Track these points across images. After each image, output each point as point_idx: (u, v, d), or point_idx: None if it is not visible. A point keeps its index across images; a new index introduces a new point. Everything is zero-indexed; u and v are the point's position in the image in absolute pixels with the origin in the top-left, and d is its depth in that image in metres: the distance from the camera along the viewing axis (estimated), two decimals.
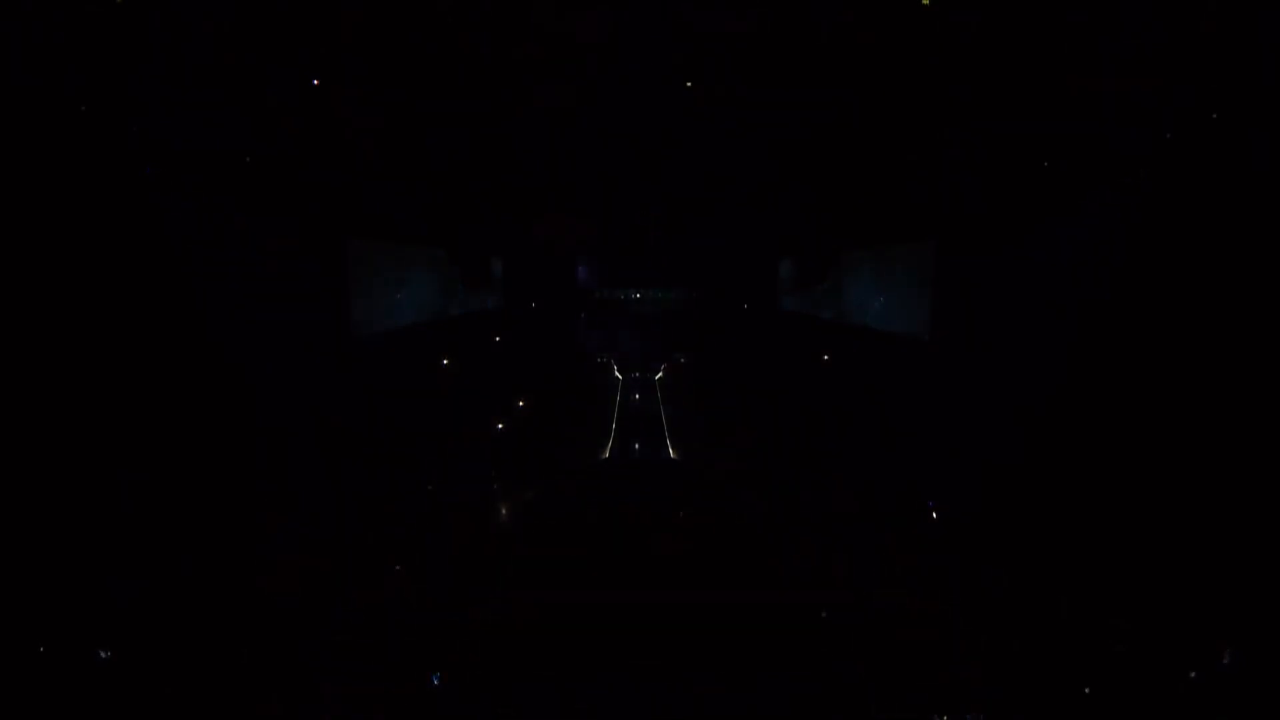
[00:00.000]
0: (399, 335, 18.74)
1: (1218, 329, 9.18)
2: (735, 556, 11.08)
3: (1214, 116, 8.74)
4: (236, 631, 7.64)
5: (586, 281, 26.49)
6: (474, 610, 9.59)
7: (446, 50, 10.35)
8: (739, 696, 7.35)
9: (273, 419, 12.45)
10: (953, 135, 13.13)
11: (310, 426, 13.61)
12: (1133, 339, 10.38)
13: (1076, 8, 9.26)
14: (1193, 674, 6.57)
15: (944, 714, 7.17)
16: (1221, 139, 8.72)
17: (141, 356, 10.54)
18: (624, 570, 10.56)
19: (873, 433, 16.68)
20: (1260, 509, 8.44)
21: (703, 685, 7.57)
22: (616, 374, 26.42)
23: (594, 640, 8.54)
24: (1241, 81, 8.15)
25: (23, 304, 8.97)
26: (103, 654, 6.74)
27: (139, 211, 10.65)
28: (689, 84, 11.57)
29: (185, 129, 10.41)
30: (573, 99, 12.47)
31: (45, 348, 9.21)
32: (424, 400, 18.89)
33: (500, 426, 18.40)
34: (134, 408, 10.41)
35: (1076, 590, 8.92)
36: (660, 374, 26.32)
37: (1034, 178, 11.50)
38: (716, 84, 11.99)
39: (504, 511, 14.56)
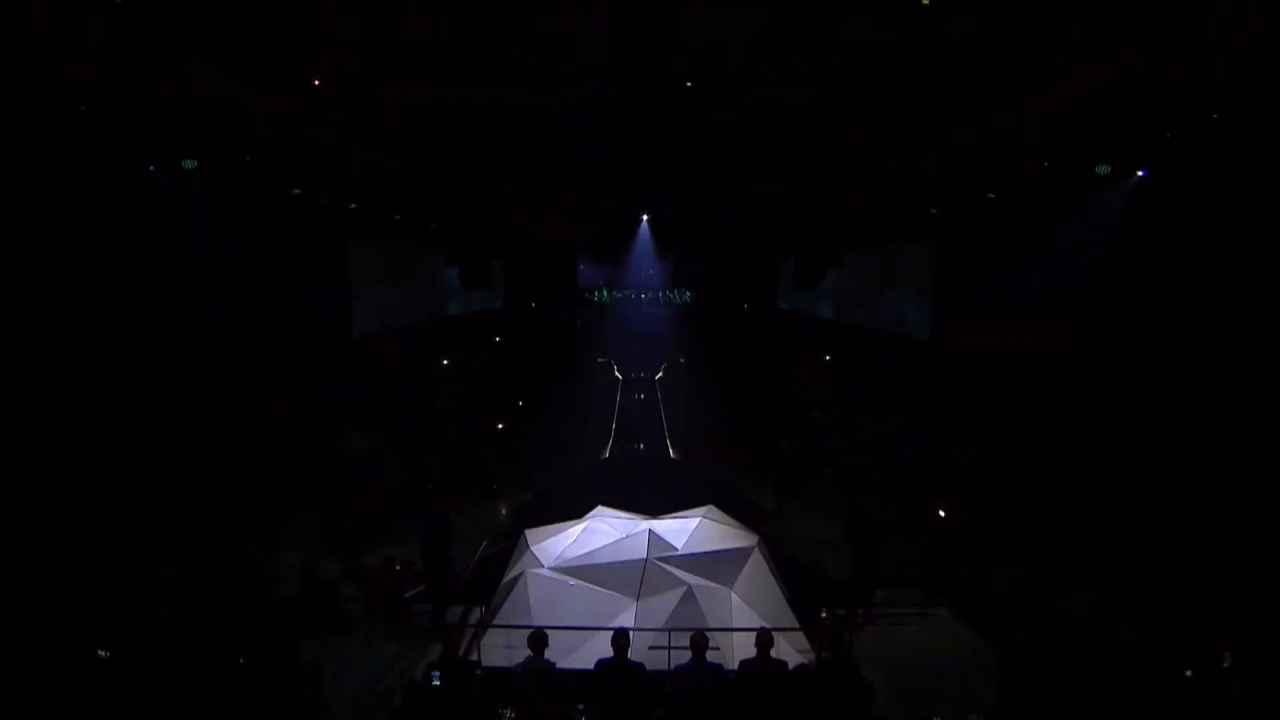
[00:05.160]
0: (399, 335, 18.77)
1: (1218, 330, 9.19)
2: None
3: (1214, 116, 8.75)
4: (237, 631, 7.65)
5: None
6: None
7: (446, 49, 10.37)
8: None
9: (275, 418, 12.48)
10: (953, 135, 13.15)
11: (313, 425, 13.65)
12: (1132, 341, 10.40)
13: (1077, 7, 9.28)
14: (1189, 673, 6.57)
15: (944, 714, 7.17)
16: (1221, 139, 8.72)
17: (146, 356, 10.56)
18: None
19: (873, 432, 16.71)
20: (1261, 510, 8.45)
21: None
22: (616, 374, 26.41)
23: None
24: (1241, 81, 8.16)
25: (33, 306, 8.99)
26: (102, 654, 6.75)
27: (142, 211, 10.68)
28: (689, 84, 11.59)
29: (186, 128, 10.43)
30: (572, 98, 12.48)
31: (54, 348, 9.24)
32: (424, 400, 18.93)
33: (500, 426, 18.41)
34: (139, 407, 10.43)
35: (1078, 590, 8.94)
36: (660, 374, 26.31)
37: (1034, 178, 11.51)
38: (717, 83, 12.00)
39: (504, 512, 14.57)
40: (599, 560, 9.24)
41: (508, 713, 6.58)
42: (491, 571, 9.80)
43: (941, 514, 11.02)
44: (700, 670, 6.69)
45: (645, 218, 23.76)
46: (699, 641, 6.77)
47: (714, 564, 9.12)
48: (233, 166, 11.13)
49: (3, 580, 7.83)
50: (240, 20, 9.19)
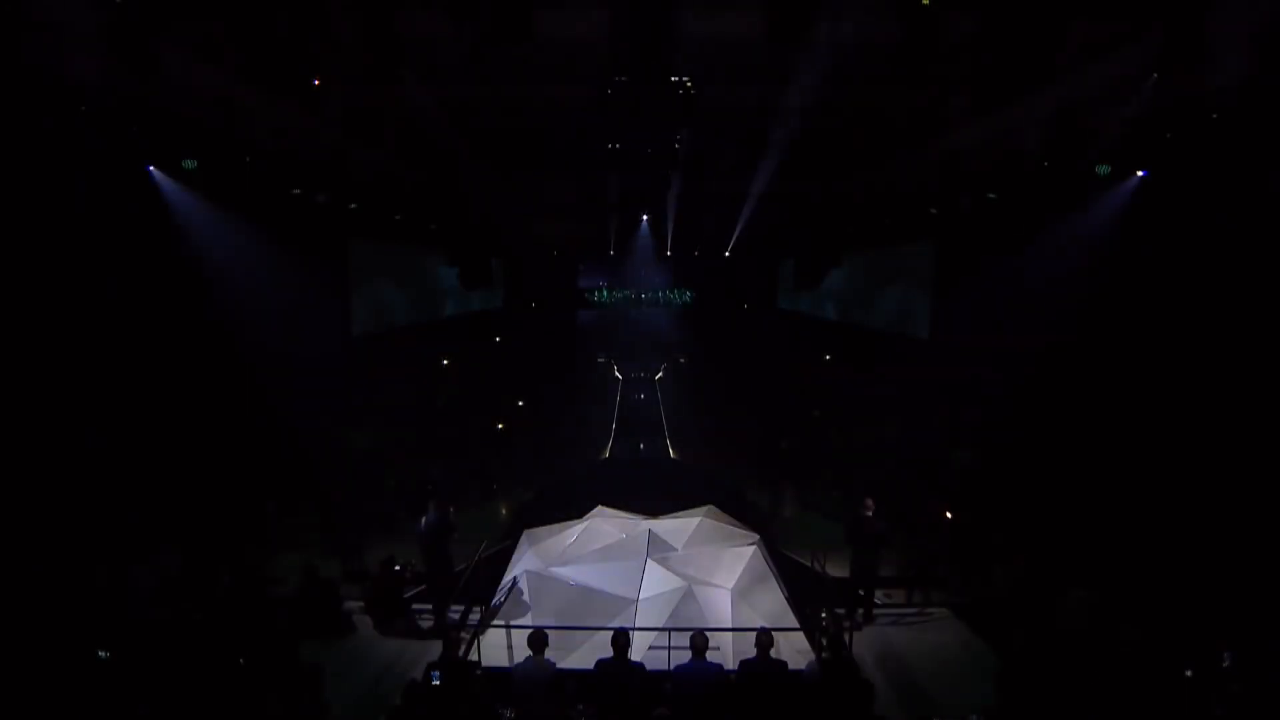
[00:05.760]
0: (399, 335, 18.79)
1: (1218, 330, 9.19)
2: None
3: (1214, 116, 8.75)
4: (237, 631, 7.66)
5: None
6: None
7: (446, 49, 10.36)
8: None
9: (274, 418, 12.48)
10: (953, 135, 13.13)
11: (313, 425, 13.64)
12: (1132, 341, 10.40)
13: (1077, 7, 9.26)
14: (1189, 673, 6.57)
15: (944, 714, 7.18)
16: (1221, 139, 8.72)
17: (146, 356, 10.57)
18: None
19: (873, 432, 16.71)
20: (1261, 510, 8.45)
21: None
22: (616, 374, 26.43)
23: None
24: (1241, 81, 8.16)
25: (33, 305, 9.01)
26: (102, 654, 6.76)
27: (142, 211, 10.69)
28: (689, 83, 11.57)
29: (186, 128, 10.43)
30: (572, 99, 12.47)
31: (54, 348, 9.25)
32: (424, 400, 18.93)
33: (500, 426, 18.40)
34: (139, 407, 10.44)
35: (1078, 590, 8.93)
36: (660, 374, 26.32)
37: (1034, 178, 11.50)
38: (716, 84, 11.99)
39: (504, 512, 14.57)
40: (599, 560, 9.24)
41: (508, 713, 6.58)
42: (491, 571, 9.80)
43: (948, 515, 11.01)
44: (700, 670, 6.70)
45: (645, 218, 23.76)
46: (699, 641, 6.77)
47: (714, 564, 9.12)
48: (233, 166, 11.13)
49: (3, 580, 7.84)
50: (240, 20, 9.17)
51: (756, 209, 19.04)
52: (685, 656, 6.80)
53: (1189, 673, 6.60)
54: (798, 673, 7.10)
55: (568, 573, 9.09)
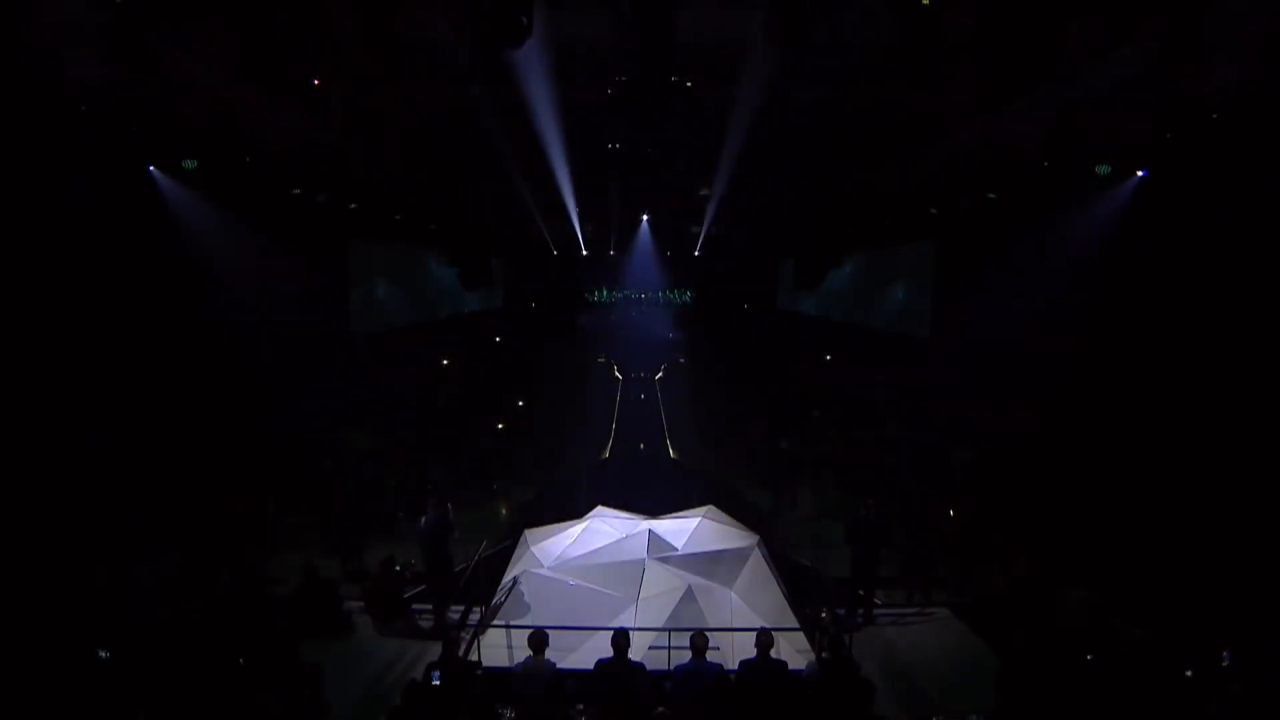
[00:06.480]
0: (399, 335, 18.78)
1: (1217, 330, 9.19)
2: None
3: (1214, 116, 8.75)
4: (237, 631, 7.66)
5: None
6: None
7: (446, 49, 10.38)
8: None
9: (274, 418, 12.48)
10: (953, 135, 13.14)
11: (313, 425, 13.65)
12: (1132, 341, 10.40)
13: (1077, 7, 9.28)
14: (1189, 673, 6.57)
15: (944, 714, 7.18)
16: (1221, 139, 8.72)
17: (146, 356, 10.57)
18: None
19: (873, 432, 16.70)
20: (1261, 510, 8.45)
21: None
22: (616, 374, 26.39)
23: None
24: (1241, 81, 8.16)
25: (33, 305, 9.01)
26: (102, 654, 6.76)
27: (142, 211, 10.70)
28: (689, 84, 11.60)
29: (185, 128, 10.44)
30: (572, 99, 12.48)
31: (54, 348, 9.25)
32: (424, 400, 18.92)
33: (500, 426, 18.38)
34: (139, 407, 10.44)
35: (1078, 590, 8.94)
36: (660, 374, 26.29)
37: (1034, 178, 11.50)
38: (715, 84, 12.01)
39: (504, 512, 14.57)
40: (599, 560, 9.24)
41: (508, 713, 6.58)
42: (491, 571, 9.80)
43: (951, 513, 11.02)
44: (700, 670, 6.70)
45: (645, 218, 23.74)
46: (699, 641, 6.77)
47: (714, 564, 9.11)
48: (233, 166, 11.13)
49: (3, 580, 7.84)
50: (240, 20, 9.18)
51: (757, 208, 19.04)
52: (685, 656, 6.80)
53: (1189, 673, 6.59)
54: (798, 673, 7.10)
55: (568, 573, 9.09)
